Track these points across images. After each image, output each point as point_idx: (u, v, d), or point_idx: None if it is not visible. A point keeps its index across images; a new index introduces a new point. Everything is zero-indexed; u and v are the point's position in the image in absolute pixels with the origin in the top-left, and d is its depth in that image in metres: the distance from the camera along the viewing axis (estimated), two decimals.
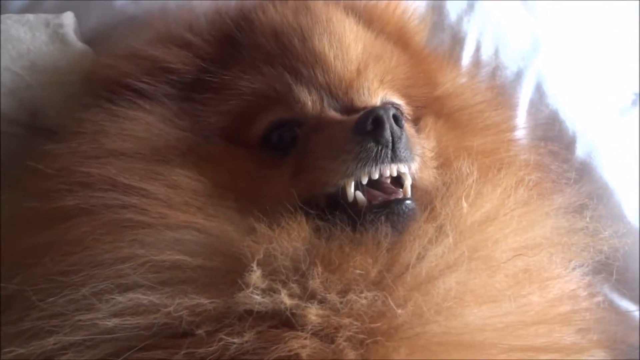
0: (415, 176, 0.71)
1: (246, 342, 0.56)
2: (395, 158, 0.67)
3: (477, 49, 1.06)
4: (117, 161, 0.69)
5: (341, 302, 0.59)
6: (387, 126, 0.66)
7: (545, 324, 0.64)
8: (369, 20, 0.87)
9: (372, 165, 0.66)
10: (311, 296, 0.59)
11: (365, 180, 0.67)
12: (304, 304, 0.59)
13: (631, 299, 0.93)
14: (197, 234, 0.64)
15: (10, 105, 0.84)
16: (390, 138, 0.66)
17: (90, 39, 0.93)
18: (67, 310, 0.60)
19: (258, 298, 0.58)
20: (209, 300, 0.58)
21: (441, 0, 1.08)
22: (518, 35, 1.09)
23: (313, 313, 0.58)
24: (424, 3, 1.06)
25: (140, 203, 0.65)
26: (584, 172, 1.01)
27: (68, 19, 0.89)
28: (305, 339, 0.57)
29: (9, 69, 0.83)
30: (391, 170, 0.67)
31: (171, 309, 0.58)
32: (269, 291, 0.59)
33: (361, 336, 0.58)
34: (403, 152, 0.67)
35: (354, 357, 0.57)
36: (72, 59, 0.87)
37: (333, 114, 0.74)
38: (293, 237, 0.63)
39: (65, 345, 0.59)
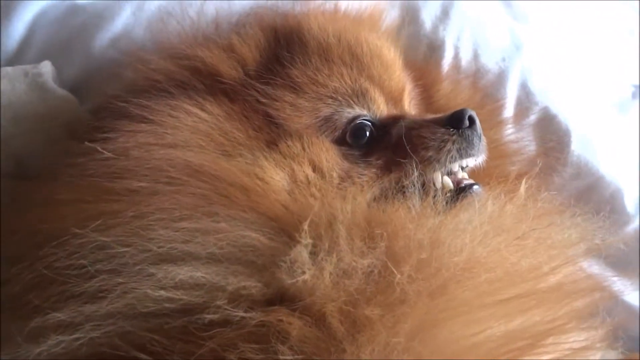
0: None
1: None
2: (478, 150, 0.80)
3: (456, 55, 1.05)
4: (182, 150, 0.72)
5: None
6: (478, 122, 0.80)
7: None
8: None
9: (464, 155, 0.79)
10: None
11: (456, 168, 0.79)
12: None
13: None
14: (258, 216, 0.66)
15: None
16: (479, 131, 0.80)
17: (75, 85, 0.94)
18: (125, 273, 0.61)
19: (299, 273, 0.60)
20: (253, 283, 0.60)
21: (415, 10, 1.08)
22: (497, 35, 1.08)
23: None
24: (397, 14, 1.07)
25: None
26: (580, 166, 1.00)
27: (46, 67, 0.90)
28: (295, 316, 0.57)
29: None
30: (473, 161, 0.81)
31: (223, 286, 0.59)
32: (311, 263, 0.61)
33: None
34: (482, 145, 0.81)
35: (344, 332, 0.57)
36: (52, 105, 0.88)
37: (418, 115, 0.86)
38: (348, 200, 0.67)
39: (106, 314, 0.59)
